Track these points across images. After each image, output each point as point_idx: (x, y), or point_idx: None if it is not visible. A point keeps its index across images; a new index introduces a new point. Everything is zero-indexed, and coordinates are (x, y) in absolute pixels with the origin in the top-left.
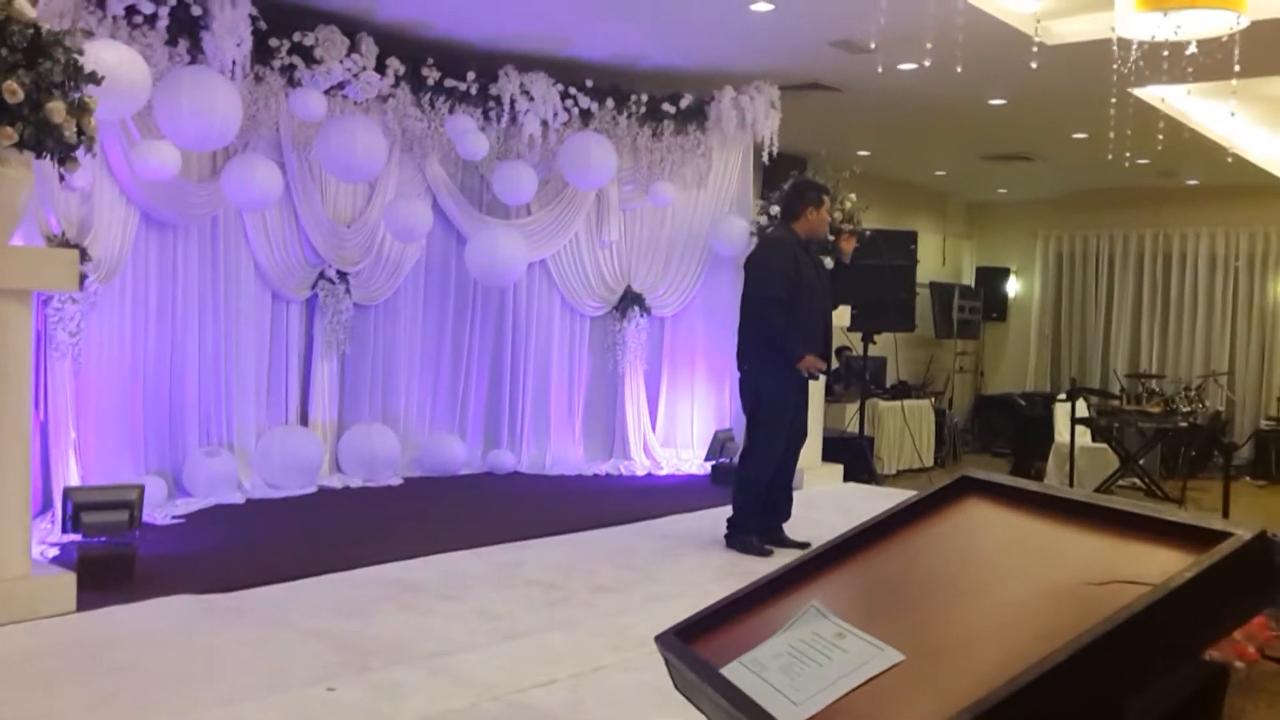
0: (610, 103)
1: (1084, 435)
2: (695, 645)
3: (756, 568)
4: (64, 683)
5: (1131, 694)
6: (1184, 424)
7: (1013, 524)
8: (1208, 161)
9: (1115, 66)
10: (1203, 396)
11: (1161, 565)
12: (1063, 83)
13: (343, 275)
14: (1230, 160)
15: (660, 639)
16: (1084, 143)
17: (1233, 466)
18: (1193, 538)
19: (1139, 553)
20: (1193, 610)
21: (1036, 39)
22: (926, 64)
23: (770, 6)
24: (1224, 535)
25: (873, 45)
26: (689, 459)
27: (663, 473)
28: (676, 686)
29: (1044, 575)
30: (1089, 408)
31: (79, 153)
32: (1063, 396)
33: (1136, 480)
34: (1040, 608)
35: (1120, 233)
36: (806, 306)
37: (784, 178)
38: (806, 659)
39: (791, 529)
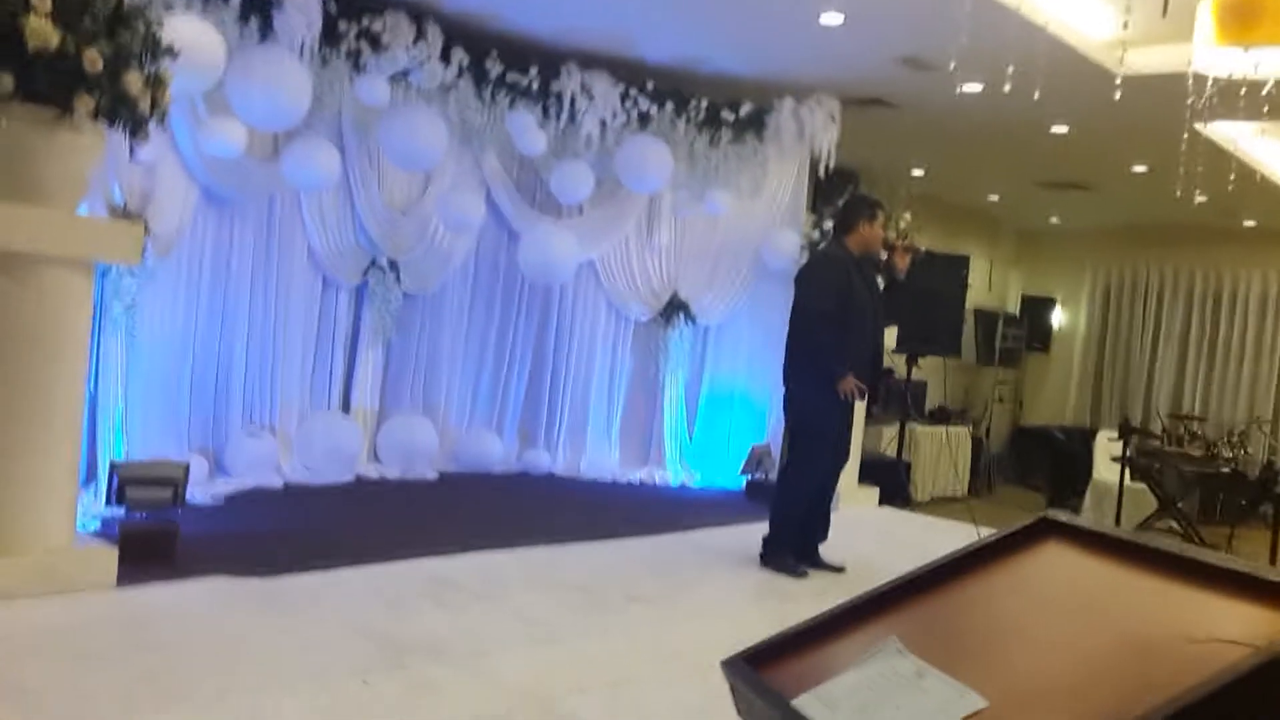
0: (670, 106)
1: (1127, 474)
2: (763, 672)
3: (792, 588)
4: (101, 659)
5: None
6: (1225, 470)
7: (1095, 571)
8: (1270, 203)
9: (1190, 101)
10: (1245, 443)
11: (1259, 625)
12: (1129, 114)
13: (393, 263)
14: None
15: (728, 664)
16: (1143, 176)
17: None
18: None
19: (1232, 610)
20: None
21: (1121, 68)
22: (1006, 89)
23: (840, 18)
24: None
25: (952, 65)
26: (725, 472)
27: (697, 484)
28: (740, 714)
29: (1133, 627)
30: (1129, 447)
31: (150, 125)
32: (1114, 435)
33: (1174, 524)
34: (1129, 661)
35: (1171, 269)
36: (857, 325)
37: (838, 193)
38: (885, 697)
39: (828, 552)
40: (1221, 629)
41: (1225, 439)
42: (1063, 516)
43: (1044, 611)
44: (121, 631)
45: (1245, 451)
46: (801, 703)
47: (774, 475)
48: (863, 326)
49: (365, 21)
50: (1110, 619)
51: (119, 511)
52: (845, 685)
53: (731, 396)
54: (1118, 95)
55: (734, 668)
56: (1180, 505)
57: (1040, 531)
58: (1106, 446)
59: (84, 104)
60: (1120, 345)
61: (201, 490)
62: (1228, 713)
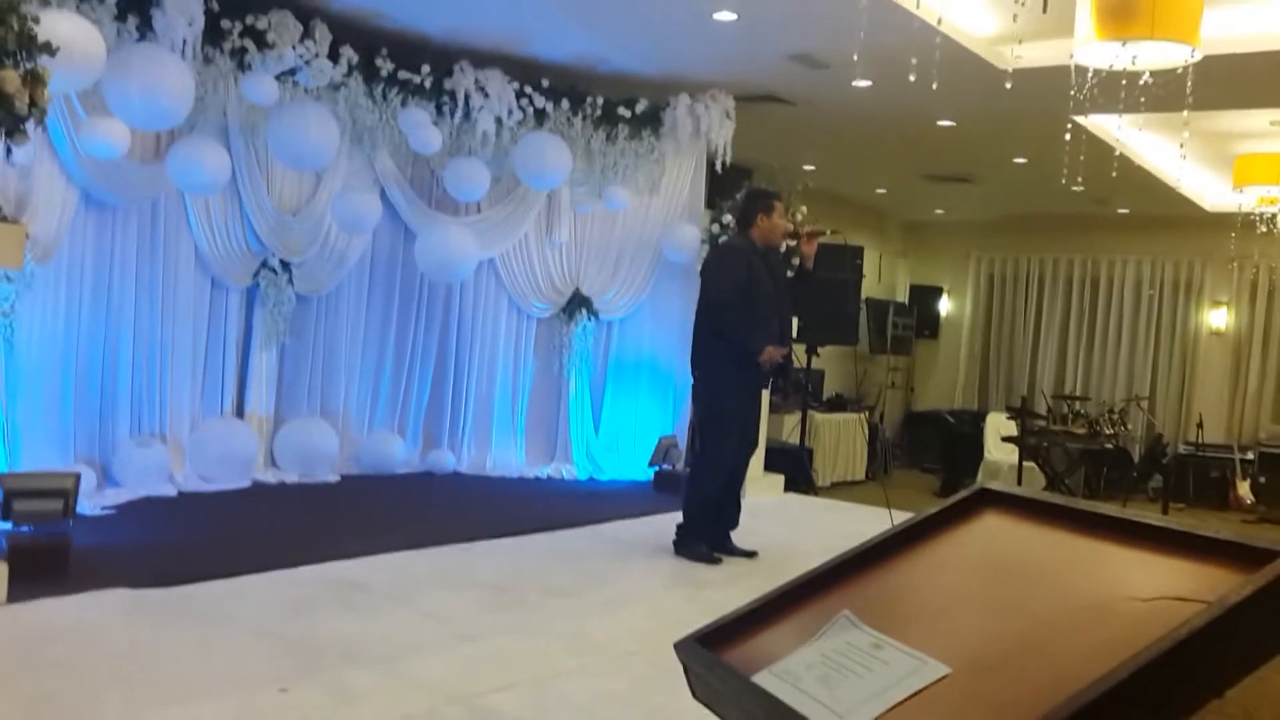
0: (566, 104)
1: (1011, 453)
2: (717, 653)
3: (706, 575)
4: None
5: (1187, 715)
6: (1109, 446)
7: (1037, 536)
8: (1141, 191)
9: (1071, 94)
10: (1125, 420)
11: (1208, 582)
12: (1012, 108)
13: (286, 265)
14: (1170, 191)
15: (681, 646)
16: (1023, 167)
17: (1151, 489)
18: (1233, 555)
19: (1174, 568)
20: (1249, 628)
21: (1011, 63)
22: (895, 85)
23: (733, 16)
24: (1273, 553)
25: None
26: (631, 464)
27: (605, 478)
28: (696, 695)
29: (1080, 589)
30: (1017, 427)
31: (29, 125)
32: (1004, 416)
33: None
34: (1085, 623)
35: (1050, 257)
36: (762, 314)
37: (735, 187)
38: (845, 670)
39: (739, 538)
40: (1166, 587)
41: (1106, 416)
42: (999, 487)
43: (991, 579)
44: (14, 650)
45: (1125, 428)
46: (761, 679)
47: (681, 466)
48: (768, 315)
49: (249, 20)
50: (1058, 582)
51: (5, 525)
52: (803, 660)
53: (636, 390)
54: (1008, 85)
55: (688, 649)
56: (1067, 481)
57: (978, 502)
58: (996, 427)
59: None
60: (1004, 330)
61: (91, 502)
62: (1187, 667)
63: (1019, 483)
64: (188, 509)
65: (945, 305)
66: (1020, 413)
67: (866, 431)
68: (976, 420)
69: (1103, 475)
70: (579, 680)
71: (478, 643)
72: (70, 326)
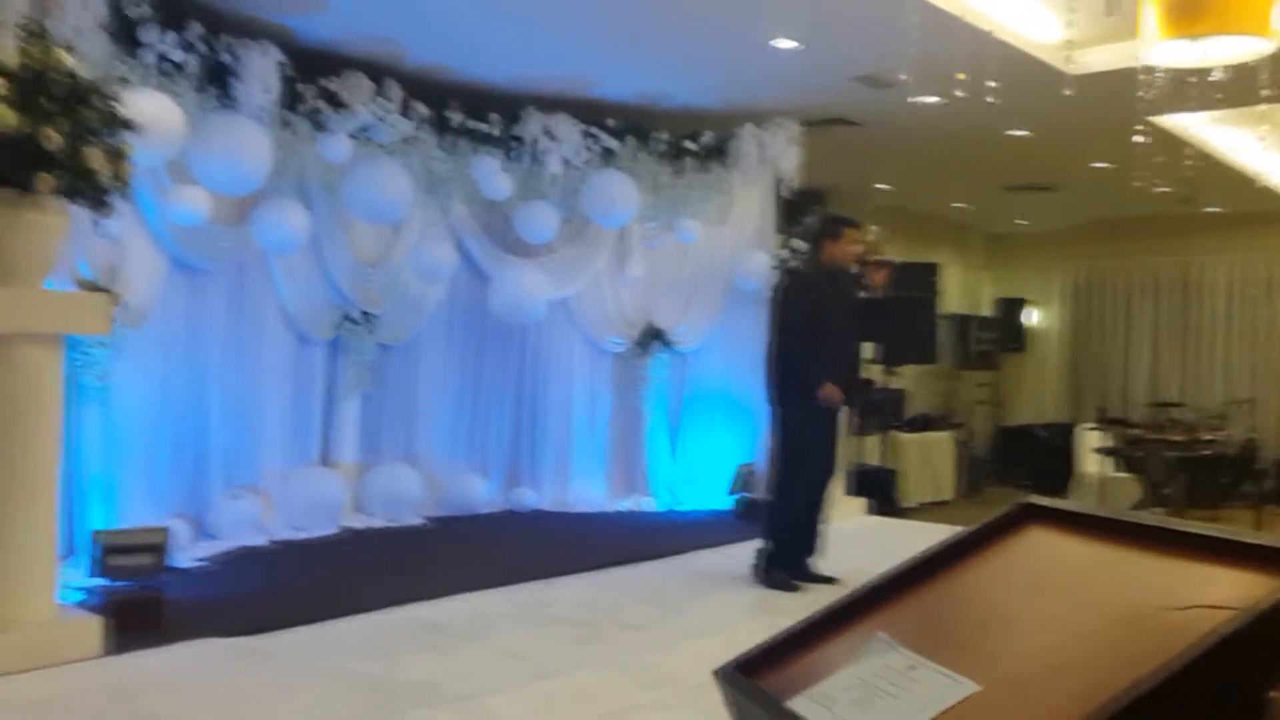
0: (632, 141)
1: (1107, 465)
2: (757, 679)
3: (787, 603)
4: None
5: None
6: (1208, 452)
7: (1078, 550)
8: (1229, 188)
9: (1140, 94)
10: (1225, 424)
11: (1241, 589)
12: (1085, 112)
13: (367, 315)
14: (1258, 186)
15: (720, 673)
16: (1104, 172)
17: (1253, 494)
18: (1268, 559)
19: (1215, 576)
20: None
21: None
22: (958, 93)
23: (794, 44)
24: None
25: (902, 76)
26: (711, 494)
27: (685, 508)
28: None
29: (1118, 602)
30: (1114, 437)
31: (113, 198)
32: (1093, 425)
33: (1163, 510)
34: (1118, 635)
35: (1139, 261)
36: (834, 341)
37: (805, 212)
38: (879, 692)
39: (820, 564)
40: (1204, 595)
41: (1205, 422)
42: (1042, 500)
43: (1030, 594)
44: (111, 700)
45: (1226, 433)
46: (796, 704)
47: (761, 494)
48: (838, 340)
49: (324, 82)
50: (1095, 595)
51: (103, 581)
52: (839, 684)
53: (713, 418)
54: (1066, 92)
55: (727, 676)
56: (1167, 491)
57: (1021, 517)
58: (1087, 439)
59: (45, 182)
60: (1094, 339)
61: (187, 554)
62: (1215, 675)
63: (1101, 494)
64: (278, 557)
65: (1032, 317)
66: (1105, 423)
67: (955, 450)
68: (1068, 433)
69: (1204, 483)
70: (653, 713)
71: (554, 679)
72: (164, 386)
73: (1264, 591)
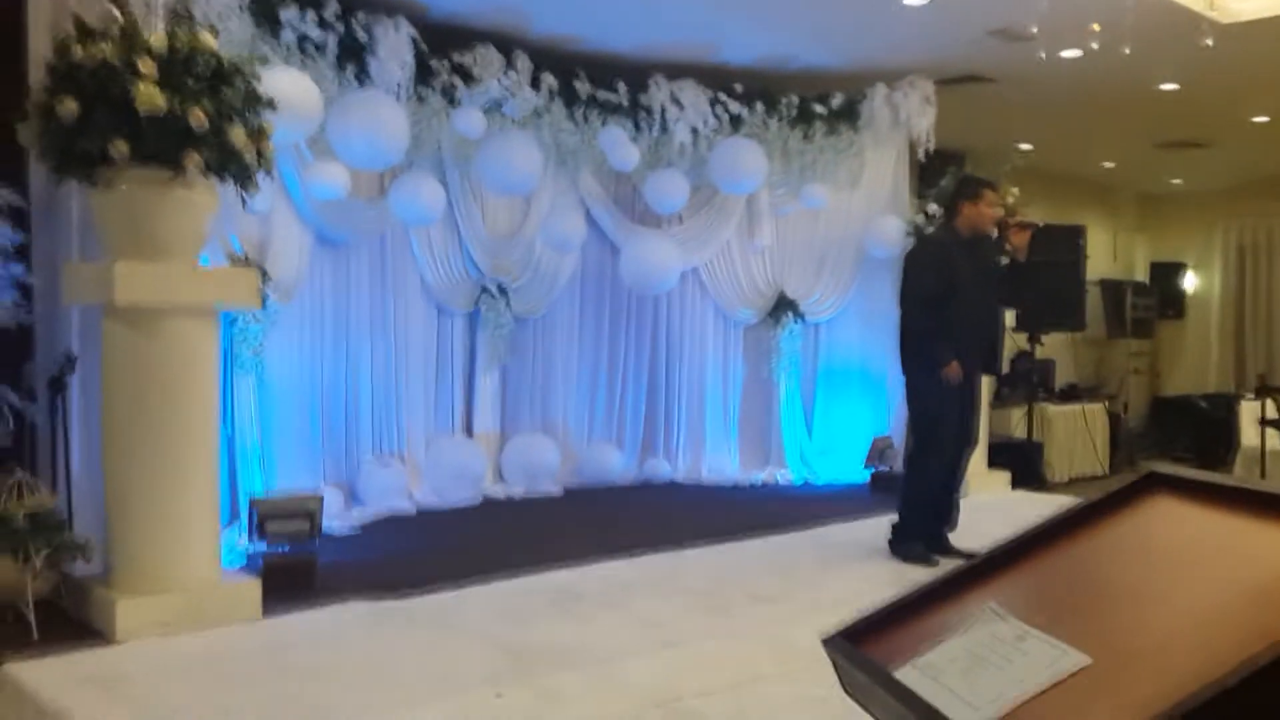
0: (760, 106)
1: (1274, 438)
2: (865, 647)
3: (922, 577)
4: (245, 682)
5: None
6: None
7: (1204, 521)
8: None
9: None
10: None
11: None
12: (1239, 63)
13: (503, 289)
14: None
15: (828, 641)
16: (1265, 126)
17: None
18: None
19: None
20: None
21: (1215, 14)
22: (1094, 47)
23: None
24: None
25: (1034, 30)
26: (847, 467)
27: (820, 481)
28: (845, 689)
29: (1243, 576)
30: (1267, 407)
31: (258, 176)
32: (1251, 395)
33: None
34: (1241, 610)
35: None
36: (965, 307)
37: (942, 174)
38: (985, 662)
39: (958, 538)
40: None
41: None
42: (1168, 469)
43: (1150, 566)
44: (264, 657)
45: None
46: (903, 673)
47: (897, 466)
48: (970, 307)
49: (456, 57)
50: (1220, 570)
51: (260, 545)
52: (946, 653)
53: (848, 390)
54: (1209, 42)
55: (834, 644)
56: None
57: (1147, 486)
58: (1252, 410)
59: (193, 161)
60: (1260, 304)
61: (338, 521)
62: None
63: (1262, 468)
64: (423, 524)
65: (1191, 281)
66: (1265, 391)
67: (1108, 422)
68: (1231, 404)
69: None
70: (780, 685)
71: (682, 648)
72: (313, 358)
73: None
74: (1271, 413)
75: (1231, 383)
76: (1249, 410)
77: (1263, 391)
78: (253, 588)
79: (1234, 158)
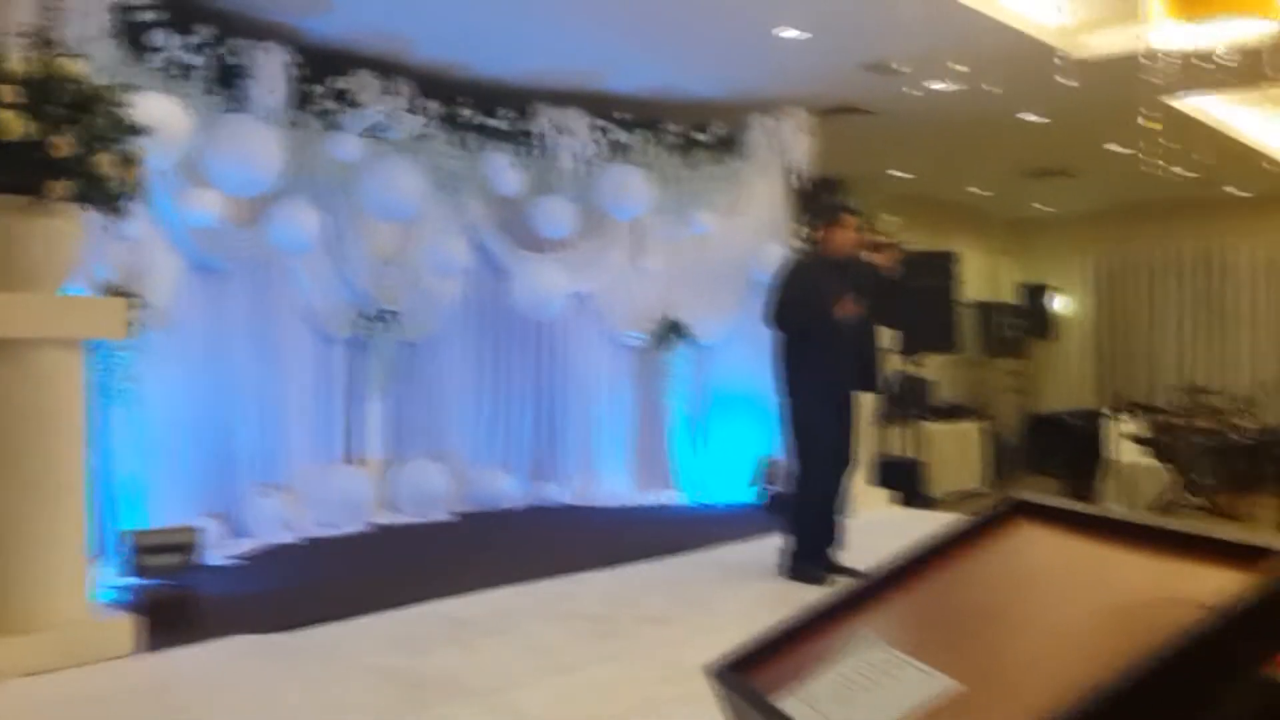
0: (643, 133)
1: (1137, 452)
2: (747, 675)
3: (811, 596)
4: None
5: (1192, 717)
6: (1237, 438)
7: (1065, 546)
8: (1248, 169)
9: (1147, 77)
10: (1253, 409)
11: (1218, 584)
12: (1097, 96)
13: (386, 313)
14: (1266, 166)
15: (711, 670)
16: (1122, 156)
17: None
18: (1250, 556)
19: (1196, 573)
20: (1252, 629)
21: (1074, 51)
22: (956, 85)
23: (798, 33)
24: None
25: (898, 67)
26: (738, 487)
27: (711, 502)
28: (728, 718)
29: (1099, 598)
30: (1142, 424)
31: (126, 203)
32: (1111, 413)
33: (1191, 496)
34: (1096, 632)
35: (1163, 245)
36: (837, 328)
37: (820, 202)
38: (861, 689)
39: (846, 556)
40: (1185, 592)
41: (1235, 407)
42: (1031, 496)
43: (1016, 591)
44: (142, 696)
45: (1255, 418)
46: (784, 702)
47: (786, 486)
48: (844, 328)
49: (334, 81)
50: (1079, 592)
51: (136, 580)
52: (824, 681)
53: (737, 411)
54: (1059, 77)
55: (717, 673)
56: (1196, 478)
57: (1011, 513)
58: (1116, 426)
59: (56, 189)
60: (1120, 325)
61: (219, 552)
62: (1184, 675)
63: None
64: (309, 555)
65: (1059, 303)
66: (1126, 409)
67: (984, 439)
68: (1098, 420)
69: (1234, 469)
70: (674, 707)
71: (576, 673)
72: (191, 387)
73: (1239, 588)
74: (1136, 429)
75: (1098, 400)
76: (1114, 427)
77: (1119, 406)
78: (127, 624)
79: (1096, 186)
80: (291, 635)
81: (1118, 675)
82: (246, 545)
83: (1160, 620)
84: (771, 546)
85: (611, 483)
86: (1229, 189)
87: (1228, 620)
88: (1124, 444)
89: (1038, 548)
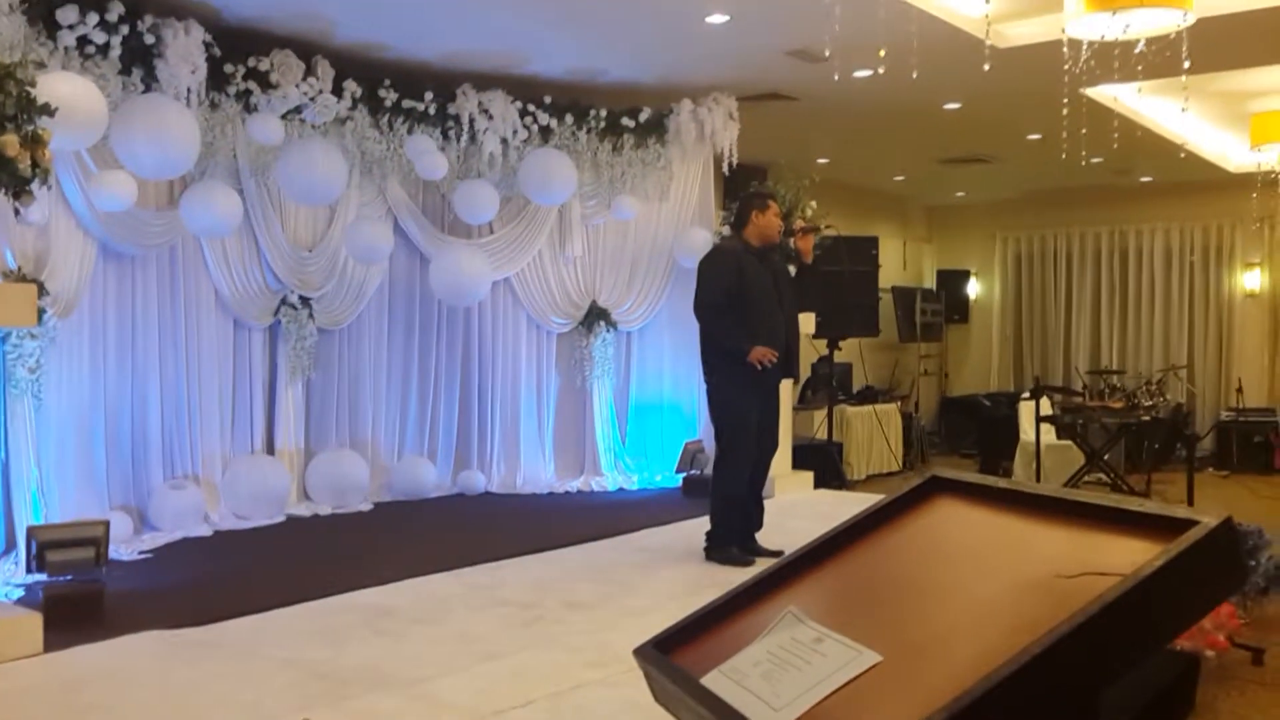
0: (569, 118)
1: (1049, 433)
2: (674, 656)
3: (735, 578)
4: None
5: (1107, 684)
6: (1146, 418)
7: (983, 521)
8: (1161, 158)
9: (1066, 67)
10: (1163, 390)
11: (1131, 556)
12: (1015, 85)
13: (305, 300)
14: (1183, 156)
15: (639, 651)
16: (1038, 144)
17: (1196, 458)
18: (1160, 527)
19: (1108, 544)
20: (1164, 598)
21: (988, 42)
22: (880, 71)
23: (725, 18)
24: (1190, 523)
25: (827, 54)
26: (660, 472)
27: (634, 487)
28: (656, 698)
29: (1016, 570)
30: (1053, 405)
31: (34, 186)
32: (1026, 395)
33: (1102, 475)
34: (1013, 602)
35: (1077, 231)
36: (759, 314)
37: (746, 188)
38: (786, 665)
39: (766, 537)
40: (1098, 563)
41: (1144, 388)
42: (949, 474)
43: (934, 564)
44: (49, 694)
45: (1164, 399)
46: (710, 679)
47: (708, 470)
48: (764, 313)
49: (252, 62)
50: (996, 565)
51: (41, 576)
52: (749, 657)
53: (660, 397)
54: (986, 66)
55: (644, 654)
56: (1107, 458)
57: (929, 490)
58: (1029, 409)
59: None
60: (1036, 309)
61: (129, 547)
62: (1102, 639)
63: (1037, 463)
64: (223, 548)
65: (974, 288)
66: (1039, 391)
67: (901, 421)
68: (1013, 402)
69: (1144, 448)
70: (600, 691)
71: (501, 661)
72: (97, 377)
73: (1149, 558)
74: (1045, 410)
75: (1012, 383)
76: (1027, 409)
77: (1038, 391)
78: (32, 621)
79: (1012, 173)
80: (205, 630)
81: (1037, 643)
82: (158, 539)
83: (1077, 590)
84: (694, 529)
85: (535, 469)
86: (1143, 178)
87: (1143, 590)
88: (1035, 425)
89: (957, 523)
